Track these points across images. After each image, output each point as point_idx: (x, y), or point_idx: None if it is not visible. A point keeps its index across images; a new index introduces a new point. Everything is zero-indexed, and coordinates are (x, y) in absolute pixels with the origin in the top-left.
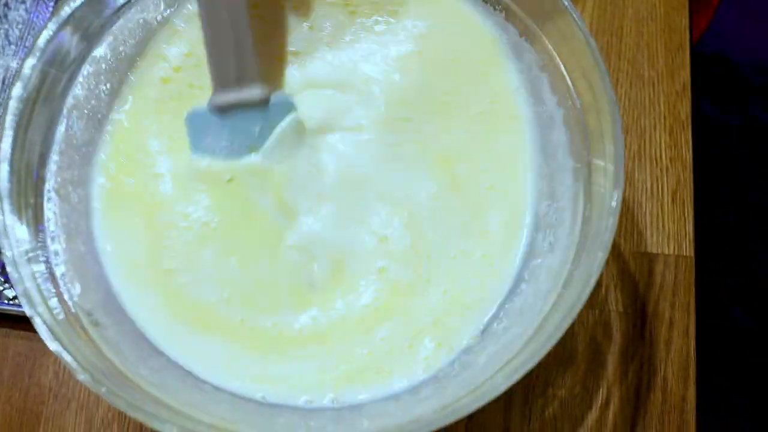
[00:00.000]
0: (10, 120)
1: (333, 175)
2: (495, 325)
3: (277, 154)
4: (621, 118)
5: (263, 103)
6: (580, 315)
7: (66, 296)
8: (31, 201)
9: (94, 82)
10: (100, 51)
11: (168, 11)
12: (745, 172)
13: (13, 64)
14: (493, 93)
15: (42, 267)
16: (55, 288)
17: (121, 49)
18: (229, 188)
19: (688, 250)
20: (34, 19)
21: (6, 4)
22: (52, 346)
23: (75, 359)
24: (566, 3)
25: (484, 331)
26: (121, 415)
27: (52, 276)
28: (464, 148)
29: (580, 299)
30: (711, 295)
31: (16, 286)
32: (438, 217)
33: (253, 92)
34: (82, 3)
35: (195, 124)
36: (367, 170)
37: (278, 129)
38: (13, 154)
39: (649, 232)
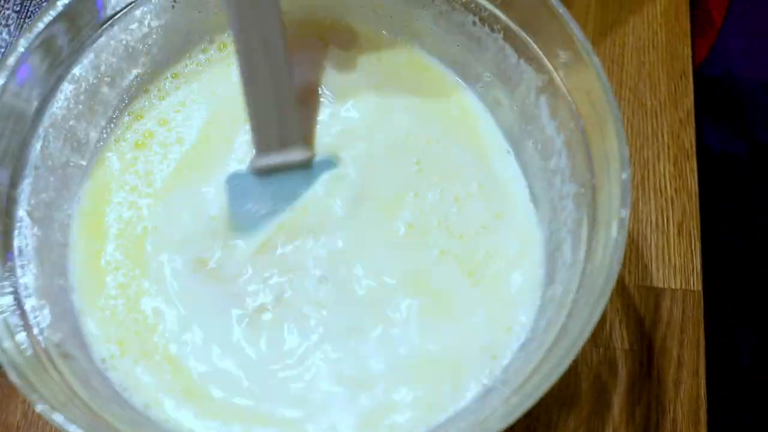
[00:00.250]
0: None
1: None
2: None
3: None
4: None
5: (307, 163)
6: (583, 352)
7: (35, 330)
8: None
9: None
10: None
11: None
12: (753, 195)
13: None
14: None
15: (10, 299)
16: (23, 321)
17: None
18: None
19: (696, 284)
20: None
21: None
22: (19, 384)
23: (43, 398)
24: (561, 11)
25: None
26: None
27: (20, 308)
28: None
29: (582, 335)
30: (719, 328)
31: None
32: None
33: (297, 154)
34: (54, 18)
35: (235, 186)
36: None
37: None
38: None
39: (654, 265)
